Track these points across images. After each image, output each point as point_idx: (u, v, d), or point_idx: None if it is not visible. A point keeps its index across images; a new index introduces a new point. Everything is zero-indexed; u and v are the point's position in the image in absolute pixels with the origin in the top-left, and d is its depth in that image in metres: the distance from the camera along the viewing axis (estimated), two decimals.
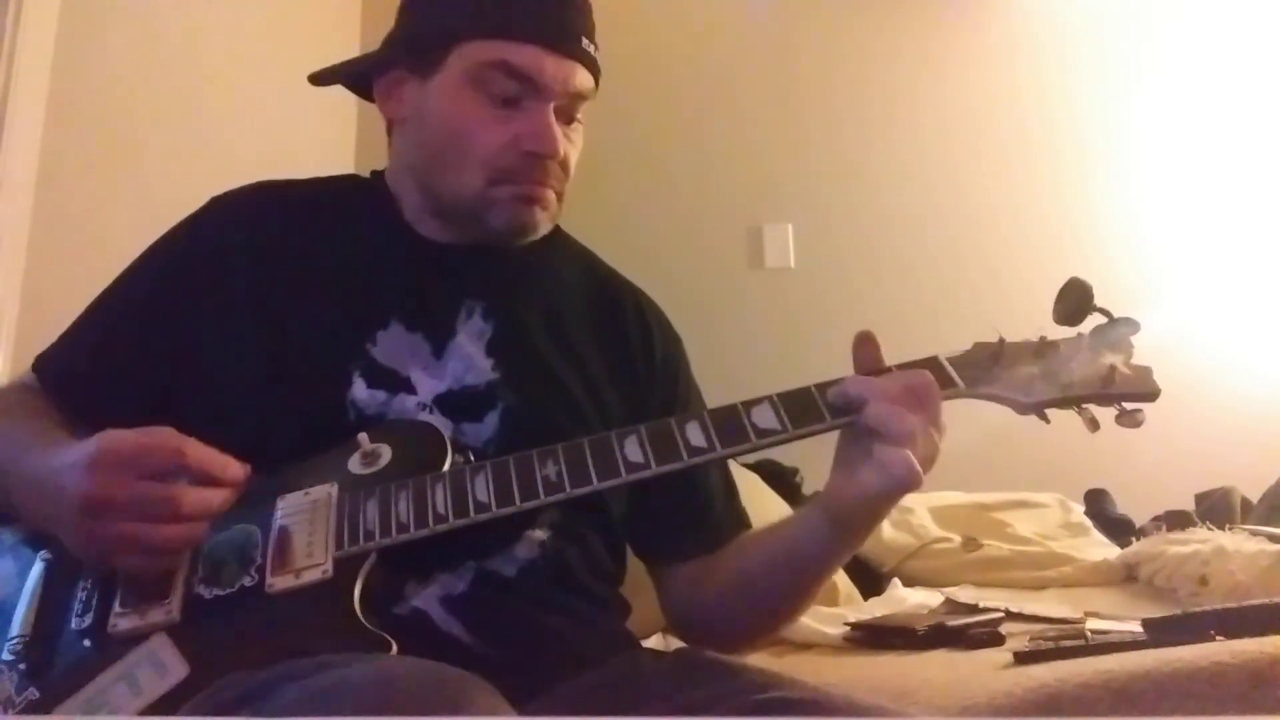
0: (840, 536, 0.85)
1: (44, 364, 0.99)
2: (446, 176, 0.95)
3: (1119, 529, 2.02)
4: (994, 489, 2.06)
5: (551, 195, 0.95)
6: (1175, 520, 1.89)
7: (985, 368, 0.84)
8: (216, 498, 0.80)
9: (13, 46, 1.66)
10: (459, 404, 0.90)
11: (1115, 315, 0.84)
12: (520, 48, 0.91)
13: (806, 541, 0.88)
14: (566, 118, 0.96)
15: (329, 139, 2.58)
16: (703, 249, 2.64)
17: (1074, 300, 0.84)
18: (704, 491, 1.01)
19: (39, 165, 1.69)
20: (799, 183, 2.66)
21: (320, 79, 1.06)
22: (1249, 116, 2.50)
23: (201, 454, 0.79)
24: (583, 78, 0.94)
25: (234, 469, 0.81)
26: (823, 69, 2.73)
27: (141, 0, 1.99)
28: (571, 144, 0.96)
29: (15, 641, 0.81)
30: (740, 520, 1.02)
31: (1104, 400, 0.83)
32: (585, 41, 0.95)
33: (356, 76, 1.05)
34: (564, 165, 0.95)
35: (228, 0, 2.27)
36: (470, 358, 0.93)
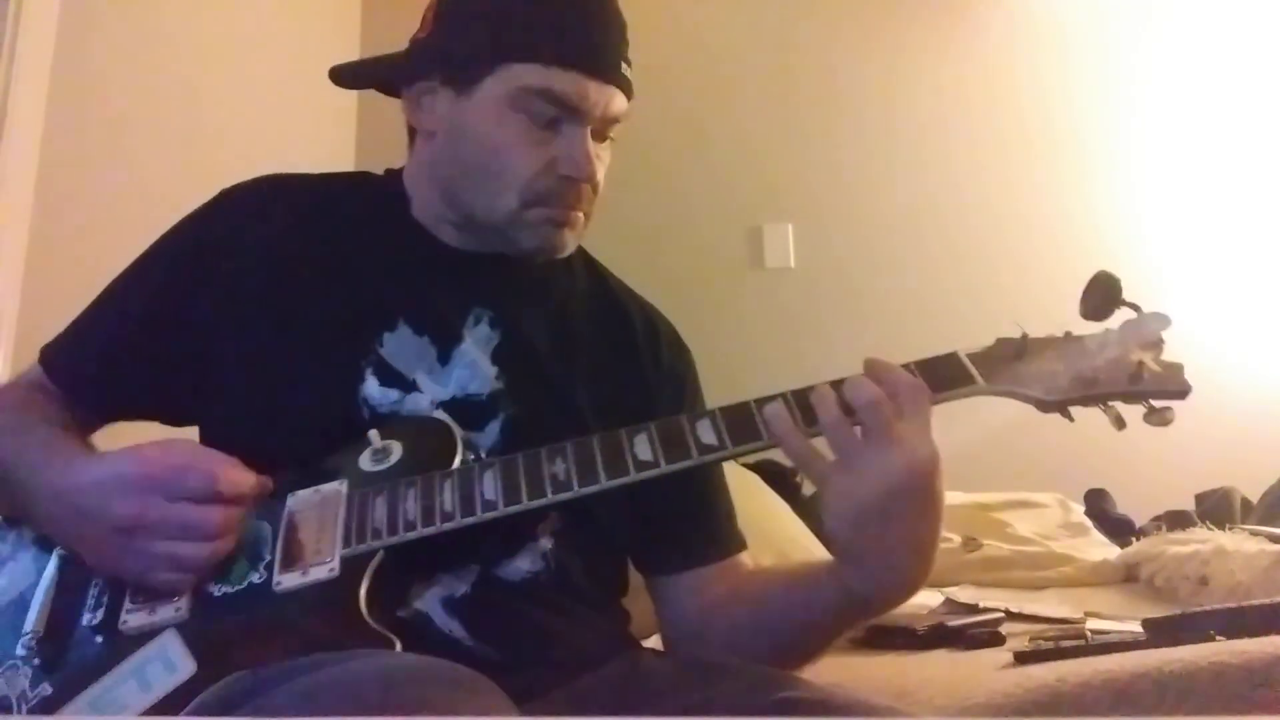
0: (845, 568, 0.80)
1: (51, 356, 0.99)
2: (479, 195, 0.94)
3: (1119, 529, 2.02)
4: (994, 489, 2.06)
5: (581, 217, 0.96)
6: (1175, 520, 1.89)
7: (1007, 364, 0.81)
8: (241, 513, 0.81)
9: (13, 46, 1.66)
10: (462, 412, 0.90)
11: (1144, 309, 0.81)
12: (564, 74, 0.90)
13: (822, 575, 0.84)
14: (600, 137, 0.96)
15: (329, 138, 2.58)
16: (703, 249, 2.64)
17: (1101, 294, 0.81)
18: (706, 501, 1.00)
19: (39, 165, 1.69)
20: (799, 183, 2.66)
21: (342, 78, 1.06)
22: (1249, 116, 2.50)
23: (234, 476, 0.80)
24: (620, 102, 0.94)
25: (257, 483, 0.82)
26: (823, 69, 2.73)
27: (141, 0, 1.99)
28: (602, 163, 0.97)
29: (29, 638, 0.82)
30: (740, 540, 1.01)
31: (1131, 398, 0.80)
32: (624, 65, 0.94)
33: (380, 78, 1.04)
34: (595, 187, 0.96)
35: (228, 0, 2.27)
36: (475, 365, 0.93)
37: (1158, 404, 0.80)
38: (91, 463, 0.82)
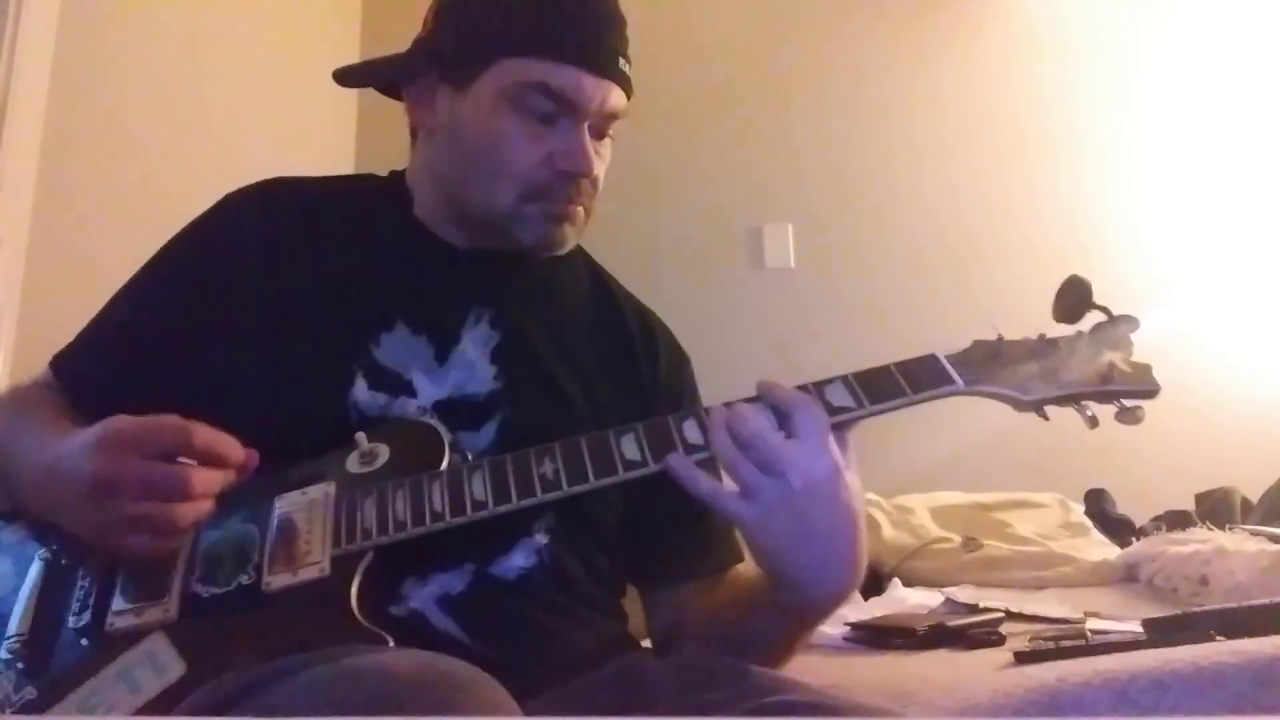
0: (774, 588, 0.83)
1: (60, 363, 1.00)
2: (478, 191, 0.94)
3: (1119, 529, 2.02)
4: (994, 489, 2.06)
5: (580, 212, 0.96)
6: (1175, 520, 1.88)
7: (984, 365, 0.84)
8: (221, 477, 0.81)
9: (13, 46, 1.66)
10: (457, 412, 0.90)
11: (1114, 313, 0.84)
12: (560, 69, 0.91)
13: (758, 591, 0.87)
14: (598, 134, 0.96)
15: (329, 139, 2.58)
16: (703, 249, 2.64)
17: (1073, 298, 0.84)
18: (700, 515, 0.99)
19: (39, 165, 1.69)
20: (799, 183, 2.66)
21: (347, 79, 1.06)
22: (1249, 117, 2.50)
23: (207, 435, 0.80)
24: (617, 97, 0.94)
25: (239, 451, 0.82)
26: (823, 69, 2.73)
27: (141, 0, 1.99)
28: (602, 160, 0.97)
29: (13, 640, 0.82)
30: (735, 553, 1.01)
31: (1103, 397, 0.83)
32: (621, 61, 0.94)
33: (383, 77, 1.05)
34: (594, 183, 0.96)
35: (228, 0, 2.27)
36: (473, 365, 0.93)
37: (1128, 403, 0.82)
38: (76, 433, 0.82)
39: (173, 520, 0.78)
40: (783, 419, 0.78)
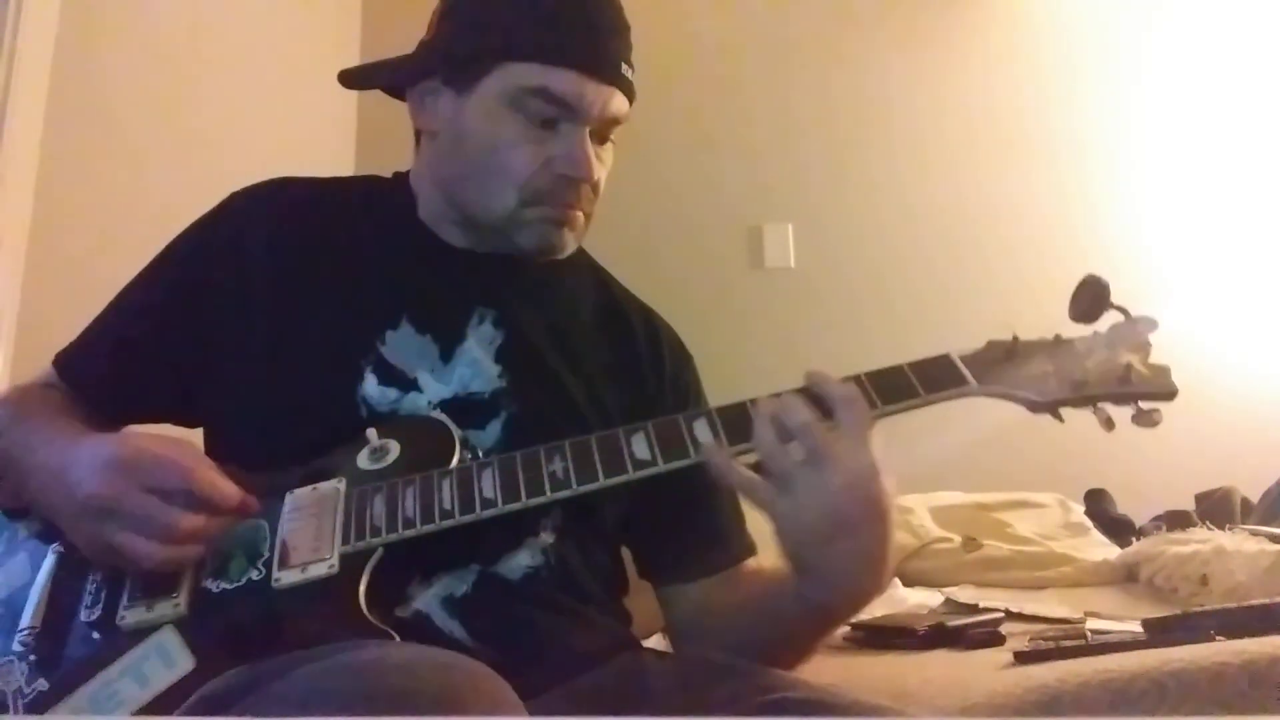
0: (800, 581, 0.82)
1: (64, 361, 1.00)
2: (479, 194, 0.95)
3: (1119, 529, 2.02)
4: (994, 489, 2.06)
5: (580, 217, 0.96)
6: (1175, 520, 1.89)
7: (999, 365, 0.83)
8: (215, 524, 0.80)
9: (13, 46, 1.65)
10: (463, 410, 0.91)
11: (1132, 313, 0.82)
12: (561, 74, 0.91)
13: (785, 585, 0.85)
14: (600, 138, 0.96)
15: (329, 139, 2.58)
16: (703, 249, 2.64)
17: (1090, 297, 0.82)
18: (711, 510, 1.00)
19: (39, 165, 1.68)
20: (799, 183, 2.66)
21: (351, 81, 1.07)
22: (1250, 117, 2.50)
23: (208, 480, 0.79)
24: (619, 102, 0.95)
25: (235, 501, 0.81)
26: (823, 69, 2.73)
27: (141, 0, 1.99)
28: (603, 164, 0.97)
29: (25, 633, 0.82)
30: (748, 546, 1.01)
31: (1120, 399, 0.81)
32: (624, 66, 0.95)
33: (387, 79, 1.05)
34: (595, 187, 0.96)
35: (228, 0, 2.27)
36: (478, 364, 0.93)
37: (1146, 405, 0.81)
38: (88, 440, 0.83)
39: (152, 559, 0.78)
40: (827, 412, 0.78)
